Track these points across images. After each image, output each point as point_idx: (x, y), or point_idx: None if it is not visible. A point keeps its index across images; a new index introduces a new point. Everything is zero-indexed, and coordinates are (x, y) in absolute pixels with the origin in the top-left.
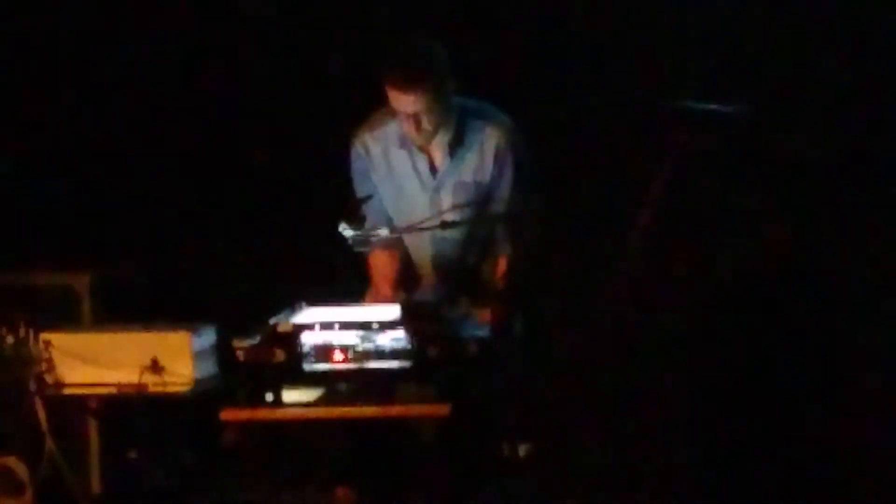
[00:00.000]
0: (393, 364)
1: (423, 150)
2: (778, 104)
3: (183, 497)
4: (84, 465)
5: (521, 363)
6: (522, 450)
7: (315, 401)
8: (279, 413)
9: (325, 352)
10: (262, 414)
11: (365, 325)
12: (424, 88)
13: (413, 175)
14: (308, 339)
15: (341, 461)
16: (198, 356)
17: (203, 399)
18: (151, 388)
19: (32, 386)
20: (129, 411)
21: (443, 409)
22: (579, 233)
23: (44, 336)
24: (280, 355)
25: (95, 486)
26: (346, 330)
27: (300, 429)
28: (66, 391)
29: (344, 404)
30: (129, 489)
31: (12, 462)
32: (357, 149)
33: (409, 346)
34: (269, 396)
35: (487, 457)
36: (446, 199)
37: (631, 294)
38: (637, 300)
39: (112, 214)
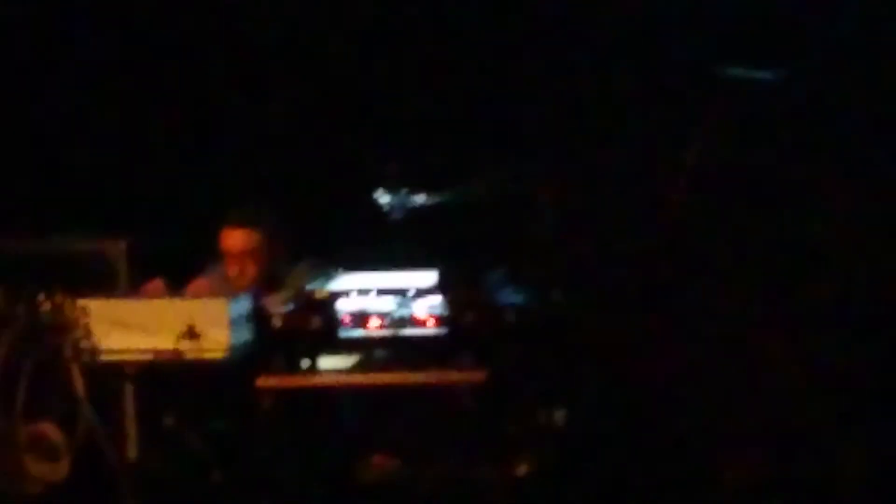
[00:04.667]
0: (429, 331)
1: None
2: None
3: (219, 464)
4: (120, 432)
5: (558, 330)
6: (558, 416)
7: (351, 368)
8: (315, 380)
9: (361, 318)
10: (298, 381)
11: (401, 292)
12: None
13: None
14: (344, 306)
15: (377, 428)
16: (234, 323)
17: (239, 366)
18: (188, 355)
19: (69, 352)
20: (165, 378)
21: (479, 376)
22: (615, 200)
23: (80, 303)
24: (316, 322)
25: (131, 452)
26: (383, 296)
27: (335, 395)
28: (103, 358)
29: (380, 371)
30: (165, 456)
31: (48, 428)
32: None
33: (446, 313)
34: (306, 363)
35: (523, 423)
36: None
37: (669, 262)
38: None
39: (147, 180)
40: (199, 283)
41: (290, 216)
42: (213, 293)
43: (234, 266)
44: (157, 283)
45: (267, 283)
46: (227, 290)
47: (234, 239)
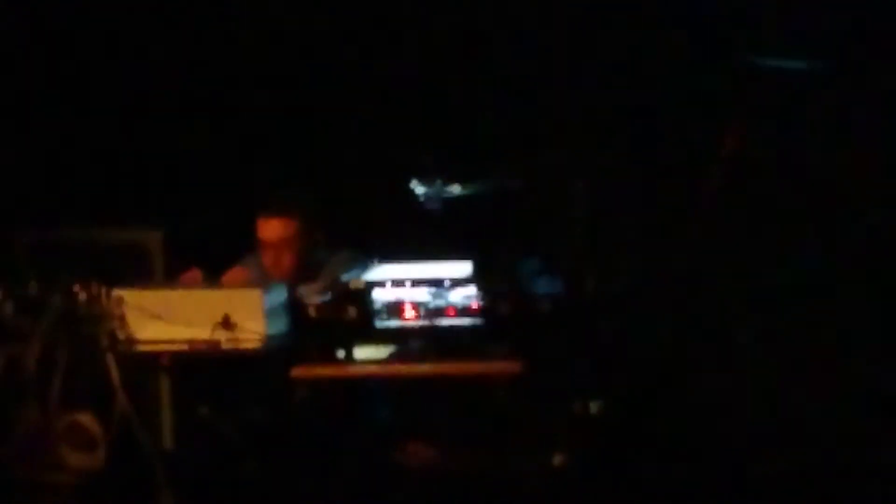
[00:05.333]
0: (464, 321)
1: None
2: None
3: (254, 453)
4: (156, 421)
5: (593, 320)
6: (594, 407)
7: (386, 358)
8: (350, 370)
9: (396, 308)
10: (334, 371)
11: (436, 282)
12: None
13: None
14: (380, 296)
15: (413, 418)
16: (269, 313)
17: (275, 356)
18: (223, 345)
19: (105, 342)
20: (200, 368)
21: (514, 367)
22: (649, 190)
23: (116, 293)
24: (352, 312)
25: (167, 441)
26: (418, 287)
27: (370, 385)
28: (139, 348)
29: (415, 361)
30: (200, 445)
31: (85, 418)
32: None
33: (481, 303)
34: (341, 353)
35: (559, 414)
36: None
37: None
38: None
39: (185, 171)
40: (236, 272)
41: (326, 207)
42: (250, 283)
43: (270, 255)
44: (195, 273)
45: (304, 272)
46: (264, 280)
47: (271, 228)
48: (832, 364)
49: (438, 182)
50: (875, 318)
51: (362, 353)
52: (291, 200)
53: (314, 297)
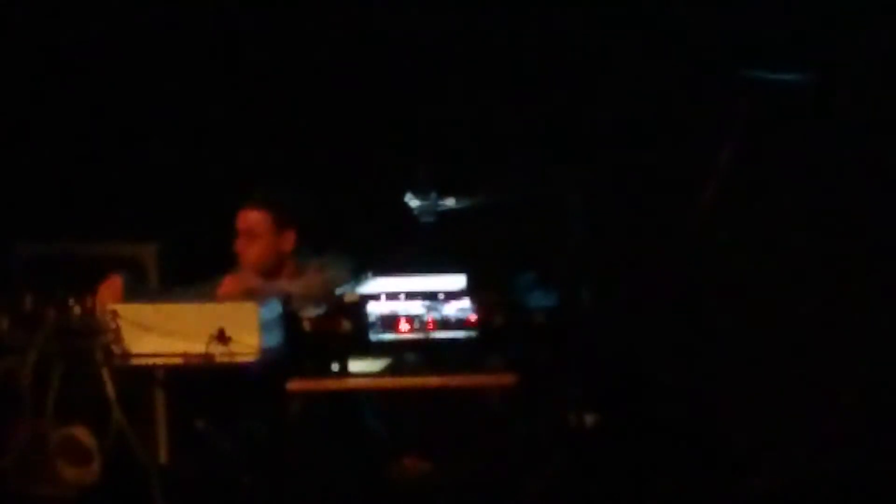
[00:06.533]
0: (459, 334)
1: None
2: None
3: (249, 466)
4: (151, 435)
5: (588, 332)
6: (589, 419)
7: (381, 371)
8: (345, 383)
9: (391, 321)
10: (329, 384)
11: (431, 295)
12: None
13: None
14: (374, 309)
15: (408, 431)
16: (264, 326)
17: (270, 369)
18: (218, 358)
19: (100, 356)
20: (196, 381)
21: (509, 379)
22: (645, 203)
23: (111, 306)
24: (346, 325)
25: (163, 455)
26: (412, 300)
27: (366, 398)
28: (133, 361)
29: (410, 374)
30: (196, 459)
31: (80, 432)
32: None
33: (476, 316)
34: (336, 366)
35: (554, 426)
36: None
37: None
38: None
39: (176, 184)
40: (230, 282)
41: (319, 219)
42: (245, 294)
43: (239, 243)
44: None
45: (280, 267)
46: (251, 283)
47: (242, 217)
48: (832, 373)
49: (433, 195)
50: (872, 330)
51: (357, 366)
52: (267, 195)
53: (308, 309)
